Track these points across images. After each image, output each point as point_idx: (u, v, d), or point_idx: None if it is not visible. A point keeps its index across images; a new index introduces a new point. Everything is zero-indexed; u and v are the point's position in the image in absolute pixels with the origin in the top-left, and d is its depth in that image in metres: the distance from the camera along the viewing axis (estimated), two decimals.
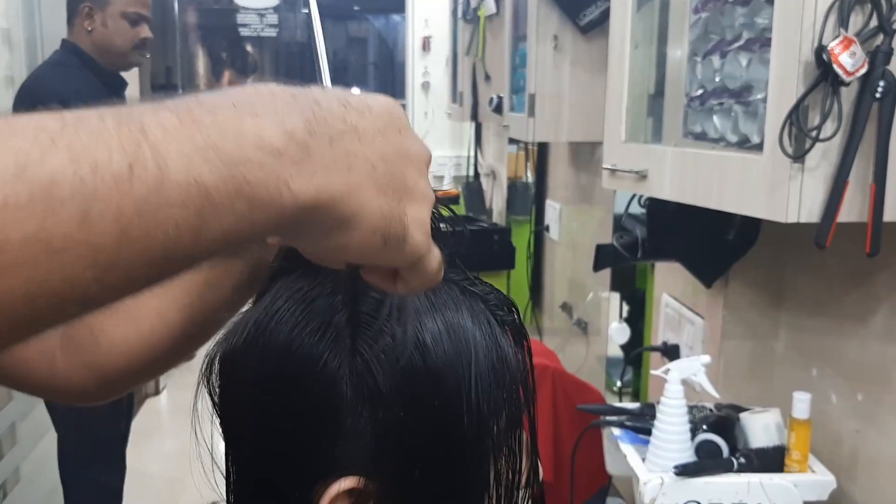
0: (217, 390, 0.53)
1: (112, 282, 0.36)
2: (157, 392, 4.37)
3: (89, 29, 2.20)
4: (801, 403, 1.24)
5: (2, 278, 0.33)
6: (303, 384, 0.48)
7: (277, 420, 0.49)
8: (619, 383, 2.86)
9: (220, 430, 0.53)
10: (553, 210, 3.12)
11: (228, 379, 0.52)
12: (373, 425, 0.48)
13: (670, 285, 1.83)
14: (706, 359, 1.32)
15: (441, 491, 0.50)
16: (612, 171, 1.42)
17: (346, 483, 0.48)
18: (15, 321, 0.35)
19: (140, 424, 4.03)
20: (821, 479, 1.25)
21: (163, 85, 6.48)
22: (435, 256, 0.44)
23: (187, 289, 0.63)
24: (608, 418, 1.46)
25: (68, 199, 0.33)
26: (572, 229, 3.04)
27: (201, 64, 7.24)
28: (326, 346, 0.48)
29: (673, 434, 1.28)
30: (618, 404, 1.55)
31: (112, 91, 2.30)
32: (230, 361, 0.51)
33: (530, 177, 3.51)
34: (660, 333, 1.89)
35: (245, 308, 0.57)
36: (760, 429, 1.31)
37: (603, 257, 1.62)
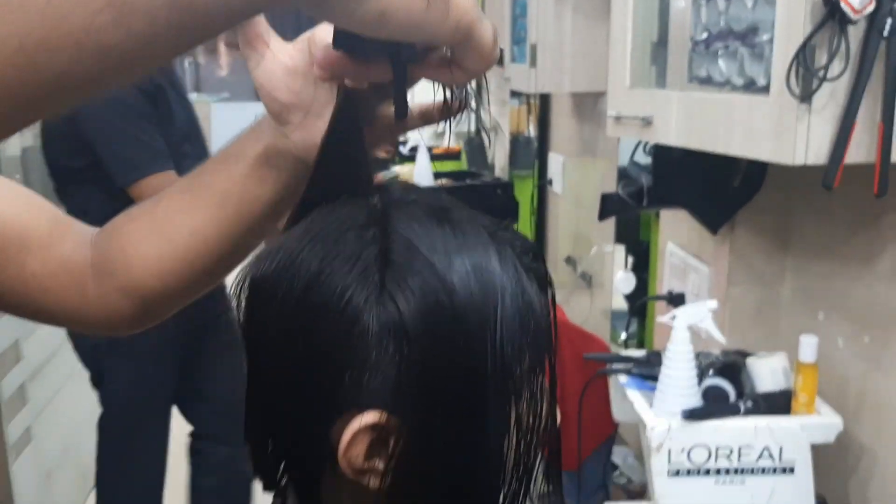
0: (244, 315, 0.53)
1: (136, 28, 0.35)
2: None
3: None
4: (808, 347, 1.25)
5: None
6: (329, 313, 0.48)
7: (302, 349, 0.49)
8: (624, 335, 2.87)
9: (246, 358, 0.53)
10: (556, 163, 3.11)
11: (256, 304, 0.51)
12: (397, 361, 0.48)
13: (675, 234, 1.82)
14: (712, 304, 1.32)
15: (462, 430, 0.50)
16: (617, 118, 1.41)
17: (370, 417, 0.48)
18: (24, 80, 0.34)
19: None
20: (827, 421, 1.26)
21: None
22: (487, 26, 0.44)
23: (222, 205, 0.63)
24: (615, 366, 1.47)
25: None
26: (576, 182, 3.02)
27: None
28: (355, 278, 0.48)
29: (680, 379, 1.29)
30: (623, 353, 1.55)
31: None
32: (259, 286, 0.51)
33: (532, 131, 3.48)
34: (665, 282, 1.89)
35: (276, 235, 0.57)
36: (767, 373, 1.32)
37: (608, 206, 1.62)
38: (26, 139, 2.77)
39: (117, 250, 0.69)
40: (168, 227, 0.66)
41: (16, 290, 0.68)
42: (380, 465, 0.50)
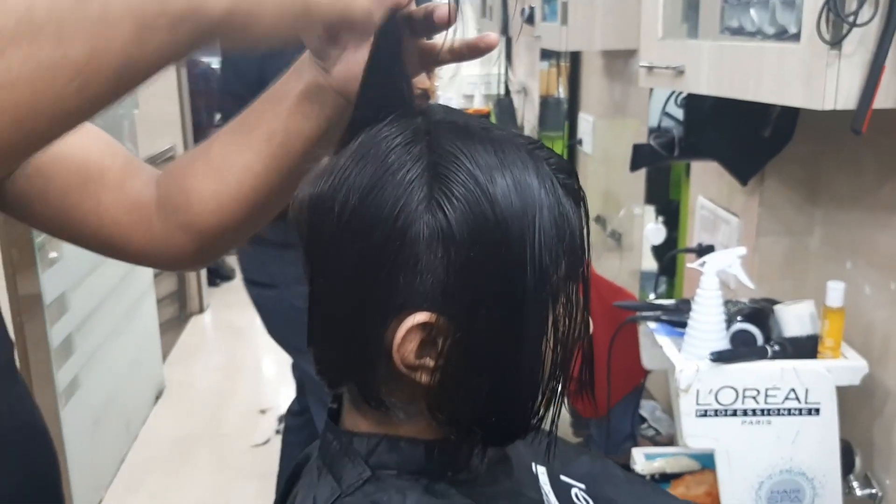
0: (305, 232, 0.57)
1: (91, 93, 0.46)
2: (201, 310, 4.50)
3: None
4: (835, 292, 1.27)
5: (9, 95, 0.43)
6: (382, 222, 0.52)
7: (359, 256, 0.53)
8: (653, 295, 2.90)
9: (307, 269, 0.58)
10: (586, 123, 3.12)
11: (316, 219, 0.56)
12: (445, 264, 0.52)
13: (706, 188, 1.85)
14: (742, 250, 1.35)
15: (504, 330, 0.54)
16: (649, 68, 1.43)
17: (420, 317, 0.53)
18: (18, 136, 0.45)
19: (186, 340, 4.16)
20: (853, 364, 1.29)
21: None
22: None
23: (269, 141, 0.67)
24: (644, 313, 1.50)
25: (45, 23, 0.43)
26: (606, 142, 3.04)
27: None
28: (405, 189, 0.52)
29: (708, 324, 1.32)
30: (654, 301, 1.58)
31: None
32: (317, 203, 0.55)
33: (562, 93, 3.49)
34: (695, 236, 1.91)
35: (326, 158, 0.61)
36: (794, 319, 1.35)
37: (640, 157, 1.64)
38: None
39: (177, 189, 0.74)
40: (221, 166, 0.71)
41: (91, 224, 0.74)
42: (430, 361, 0.54)
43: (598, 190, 3.16)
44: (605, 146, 3.05)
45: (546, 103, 3.78)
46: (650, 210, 2.88)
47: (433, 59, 0.66)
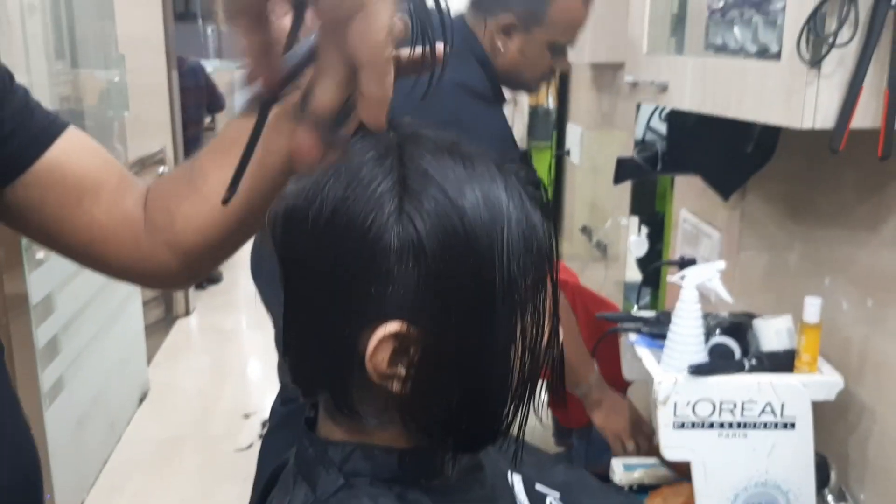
0: (278, 242, 0.58)
1: None
2: (187, 313, 4.49)
3: (501, 48, 1.69)
4: (812, 307, 1.29)
5: None
6: (355, 233, 0.53)
7: (332, 266, 0.54)
8: (636, 307, 2.92)
9: (282, 280, 0.59)
10: (574, 134, 3.15)
11: (290, 230, 0.57)
12: (416, 275, 0.53)
13: (689, 201, 1.87)
14: (721, 264, 1.37)
15: (473, 339, 0.55)
16: (634, 84, 1.45)
17: (392, 327, 0.54)
18: None
19: (172, 343, 4.16)
20: (829, 379, 1.30)
21: (182, 14, 6.47)
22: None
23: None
24: (625, 325, 1.52)
25: None
26: (593, 153, 3.06)
27: None
28: (376, 201, 0.53)
29: (687, 336, 1.34)
30: (635, 313, 1.60)
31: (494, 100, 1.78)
32: (292, 214, 0.57)
33: (551, 103, 3.51)
34: (678, 249, 1.93)
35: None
36: (772, 333, 1.36)
37: (623, 170, 1.66)
38: (54, 102, 2.84)
39: (162, 208, 0.75)
40: (203, 184, 0.72)
41: (82, 237, 0.75)
42: (402, 370, 0.56)
43: (584, 200, 3.18)
44: (592, 157, 3.07)
45: (535, 113, 3.81)
46: (635, 221, 2.90)
47: (400, 71, 0.66)
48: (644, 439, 1.73)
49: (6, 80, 0.73)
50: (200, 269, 0.78)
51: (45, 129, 0.74)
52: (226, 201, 0.58)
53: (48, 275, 2.42)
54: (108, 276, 0.79)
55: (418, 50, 0.58)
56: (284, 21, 0.56)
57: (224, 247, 0.75)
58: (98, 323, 2.90)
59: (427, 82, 0.59)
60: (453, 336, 0.55)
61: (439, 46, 0.58)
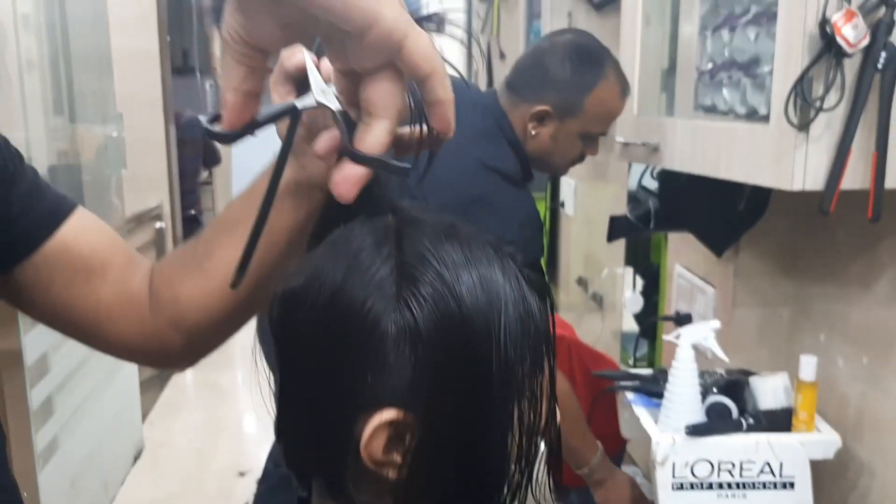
0: (275, 325, 0.58)
1: None
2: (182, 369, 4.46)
3: (533, 133, 1.64)
4: (808, 366, 1.29)
5: None
6: (352, 319, 0.53)
7: (329, 352, 0.54)
8: (633, 356, 2.91)
9: (278, 364, 0.59)
10: (568, 186, 3.17)
11: (288, 313, 0.57)
12: (412, 362, 0.53)
13: (683, 256, 1.87)
14: (716, 323, 1.37)
15: (471, 426, 0.55)
16: (625, 144, 1.47)
17: (388, 414, 0.54)
18: None
19: (167, 400, 4.13)
20: (827, 438, 1.30)
21: (180, 68, 6.54)
22: (421, 37, 0.50)
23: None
24: (622, 383, 1.51)
25: None
26: (587, 205, 3.08)
27: (217, 46, 7.30)
28: (374, 288, 0.53)
29: (684, 396, 1.34)
30: (631, 370, 1.60)
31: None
32: (290, 298, 0.57)
33: None
34: (673, 304, 1.94)
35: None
36: (769, 391, 1.36)
37: (616, 228, 1.67)
38: (52, 157, 2.86)
39: (166, 286, 0.75)
40: (207, 263, 0.72)
41: (88, 318, 0.75)
42: (397, 458, 0.55)
43: (579, 252, 3.19)
44: (586, 209, 3.09)
45: None
46: (630, 272, 2.91)
47: (404, 150, 0.68)
48: None
49: (16, 161, 0.73)
50: (205, 347, 0.78)
51: (53, 210, 0.74)
52: (234, 285, 0.59)
53: (43, 335, 2.41)
54: (112, 355, 0.78)
55: (419, 128, 0.59)
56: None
57: (229, 325, 0.75)
58: (93, 381, 2.88)
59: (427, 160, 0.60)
60: (450, 423, 0.54)
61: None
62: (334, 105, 0.57)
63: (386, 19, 0.48)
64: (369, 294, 0.54)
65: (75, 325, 0.75)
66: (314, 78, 0.58)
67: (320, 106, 0.57)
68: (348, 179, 0.54)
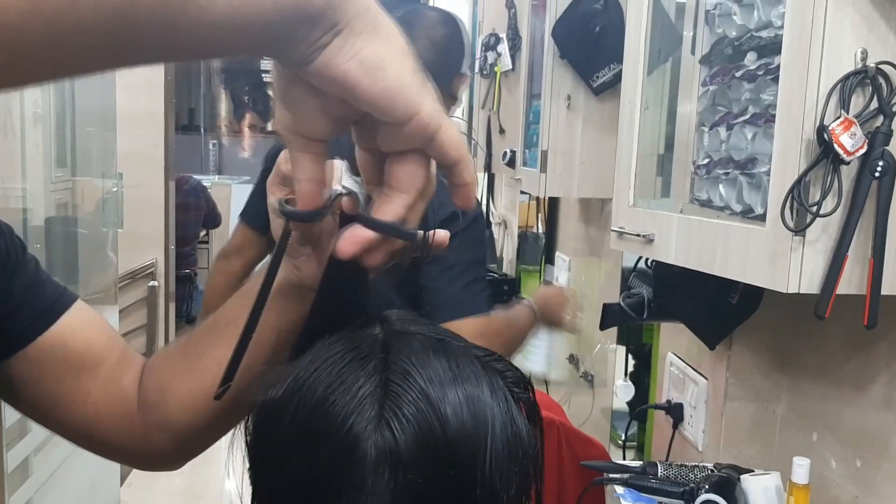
0: (252, 436, 0.56)
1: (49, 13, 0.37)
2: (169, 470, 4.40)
3: None
4: (801, 468, 1.27)
5: None
6: (331, 439, 0.51)
7: (305, 470, 0.52)
8: (623, 437, 2.87)
9: (250, 476, 0.57)
10: (562, 261, 3.17)
11: (265, 425, 0.55)
12: (392, 487, 0.51)
13: (676, 344, 1.86)
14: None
15: None
16: (620, 233, 1.46)
17: None
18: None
19: None
20: None
21: (185, 126, 6.60)
22: (451, 128, 0.52)
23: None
24: (611, 475, 1.48)
25: None
26: (580, 282, 3.07)
27: (224, 106, 7.37)
28: (356, 406, 0.52)
29: None
30: (621, 461, 1.57)
31: None
32: (267, 411, 0.55)
33: (541, 227, 3.55)
34: (665, 391, 1.91)
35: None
36: (760, 491, 1.33)
37: (610, 316, 1.66)
38: (50, 208, 2.86)
39: (156, 387, 0.73)
40: (197, 363, 0.71)
41: (75, 414, 0.73)
42: None
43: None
44: (579, 285, 3.08)
45: (524, 237, 3.84)
46: (622, 350, 2.89)
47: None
48: None
49: (19, 250, 0.72)
50: (193, 449, 0.76)
51: (53, 302, 0.73)
52: (218, 396, 0.57)
53: None
54: (98, 454, 0.76)
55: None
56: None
57: (216, 426, 0.73)
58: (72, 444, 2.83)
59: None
60: None
61: (440, 233, 0.60)
62: (358, 189, 0.58)
63: (424, 112, 0.50)
64: (350, 412, 0.52)
65: (61, 421, 0.73)
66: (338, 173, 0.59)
67: (347, 191, 0.58)
68: (352, 237, 0.54)
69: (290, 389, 0.54)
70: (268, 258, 0.68)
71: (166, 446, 0.74)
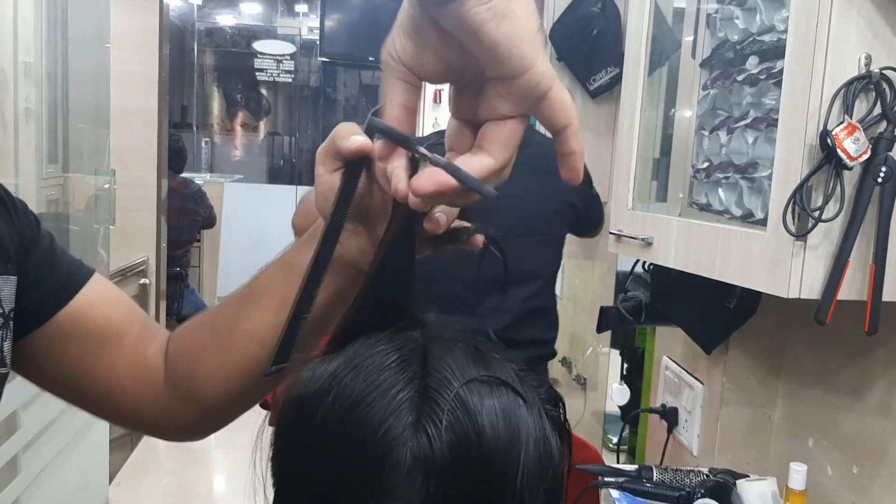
0: (280, 429, 0.55)
1: None
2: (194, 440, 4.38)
3: None
4: (798, 474, 1.26)
5: None
6: (366, 441, 0.50)
7: (334, 471, 0.51)
8: (615, 440, 2.86)
9: (272, 470, 0.56)
10: None
11: (296, 420, 0.54)
12: (423, 495, 0.50)
13: (670, 348, 1.85)
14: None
15: None
16: (619, 236, 1.46)
17: None
18: None
19: (136, 461, 4.03)
20: None
21: (177, 124, 6.57)
22: (563, 90, 0.52)
23: (279, 311, 0.65)
24: (607, 479, 1.48)
25: None
26: (574, 285, 3.07)
27: (216, 105, 7.35)
28: (393, 410, 0.50)
29: None
30: (616, 465, 1.56)
31: None
32: (301, 404, 0.53)
33: None
34: (659, 395, 1.91)
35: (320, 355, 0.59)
36: (756, 497, 1.33)
37: (606, 319, 1.65)
38: (41, 204, 2.84)
39: (183, 359, 0.72)
40: (228, 335, 0.69)
41: (100, 388, 0.72)
42: None
43: (565, 331, 3.17)
44: (573, 288, 3.08)
45: None
46: (616, 353, 2.89)
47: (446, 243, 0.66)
48: None
49: (34, 228, 0.72)
50: (219, 421, 0.74)
51: (70, 277, 0.72)
52: (269, 375, 0.57)
53: (15, 392, 2.35)
54: (123, 426, 0.76)
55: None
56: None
57: (244, 399, 0.72)
58: (63, 440, 2.80)
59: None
60: None
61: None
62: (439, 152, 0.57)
63: (539, 68, 0.50)
64: (387, 416, 0.50)
65: (85, 394, 0.72)
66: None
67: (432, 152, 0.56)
68: (431, 177, 0.52)
69: (326, 385, 0.53)
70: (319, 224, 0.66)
71: (193, 418, 0.73)
